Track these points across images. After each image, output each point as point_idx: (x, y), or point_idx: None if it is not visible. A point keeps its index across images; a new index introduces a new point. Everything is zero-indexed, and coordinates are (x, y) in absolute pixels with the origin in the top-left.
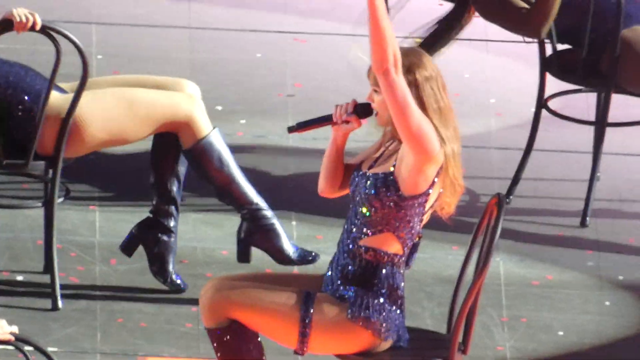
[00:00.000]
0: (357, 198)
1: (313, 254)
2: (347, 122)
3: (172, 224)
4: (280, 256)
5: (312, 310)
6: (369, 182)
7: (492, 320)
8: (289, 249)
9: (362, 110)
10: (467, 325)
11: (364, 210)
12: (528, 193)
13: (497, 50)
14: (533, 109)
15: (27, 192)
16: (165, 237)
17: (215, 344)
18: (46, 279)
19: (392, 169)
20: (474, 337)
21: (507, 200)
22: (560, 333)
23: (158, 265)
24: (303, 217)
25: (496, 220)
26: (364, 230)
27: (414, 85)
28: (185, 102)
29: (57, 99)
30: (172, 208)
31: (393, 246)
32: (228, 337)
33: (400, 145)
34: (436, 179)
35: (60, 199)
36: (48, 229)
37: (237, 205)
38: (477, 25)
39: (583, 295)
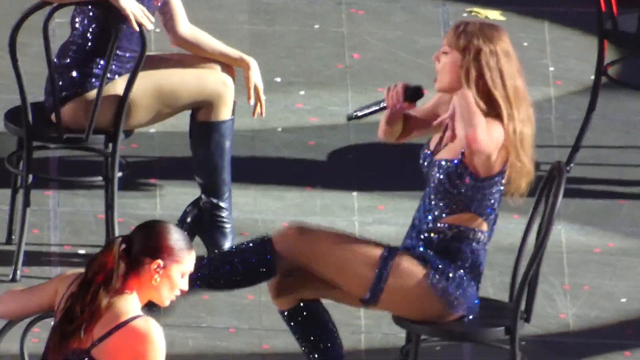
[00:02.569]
0: (432, 182)
1: None
2: (400, 108)
3: (223, 205)
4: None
5: (391, 263)
6: (441, 170)
7: (554, 288)
8: None
9: (412, 95)
10: (530, 293)
11: (441, 195)
12: (588, 161)
13: (556, 17)
14: (592, 77)
15: (88, 166)
16: (216, 224)
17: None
18: None
19: (461, 156)
20: (536, 305)
21: (568, 168)
22: (623, 300)
23: (213, 249)
24: (364, 188)
25: (557, 188)
26: (446, 210)
27: (495, 55)
28: (214, 81)
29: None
30: (224, 188)
31: (477, 224)
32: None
33: None
34: (507, 165)
35: (121, 173)
36: (109, 203)
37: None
38: None
39: None
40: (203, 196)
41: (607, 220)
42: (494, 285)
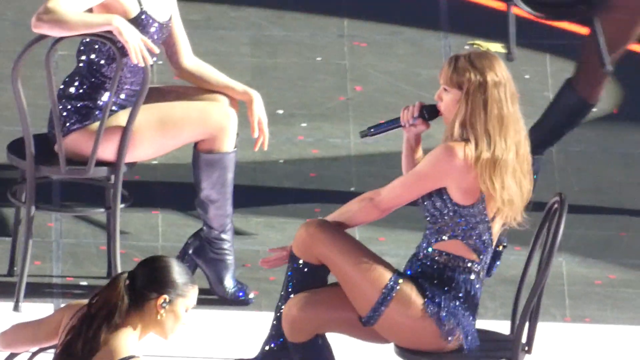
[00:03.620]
0: (424, 206)
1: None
2: (414, 125)
3: (225, 237)
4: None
5: (396, 289)
6: (428, 194)
7: (555, 320)
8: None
9: (428, 113)
10: (531, 325)
11: (430, 219)
12: (589, 193)
13: (557, 50)
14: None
15: (90, 198)
16: (218, 256)
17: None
18: None
19: None
20: (537, 337)
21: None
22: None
23: (215, 282)
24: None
25: (558, 220)
26: (436, 235)
27: (483, 87)
28: (218, 114)
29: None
30: (226, 220)
31: (465, 253)
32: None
33: None
34: (484, 193)
35: (123, 205)
36: (111, 235)
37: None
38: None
39: None
40: (205, 228)
41: (608, 252)
42: (496, 316)
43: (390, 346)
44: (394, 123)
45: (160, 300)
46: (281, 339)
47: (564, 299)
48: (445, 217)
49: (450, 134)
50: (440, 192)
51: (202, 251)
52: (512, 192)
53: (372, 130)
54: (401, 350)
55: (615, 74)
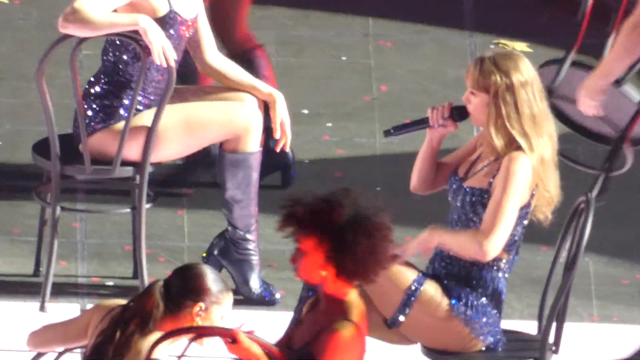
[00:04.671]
0: (457, 206)
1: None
2: (444, 125)
3: (250, 237)
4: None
5: (420, 290)
6: (467, 197)
7: (582, 320)
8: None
9: (458, 114)
10: (558, 325)
11: (464, 221)
12: (616, 191)
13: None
14: None
15: (116, 198)
16: (243, 256)
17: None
18: (135, 283)
19: (487, 186)
20: (564, 337)
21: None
22: None
23: (241, 283)
24: (391, 220)
25: (584, 220)
26: None
27: (510, 89)
28: (243, 114)
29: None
30: (251, 220)
31: (500, 252)
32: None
33: (498, 162)
34: (534, 191)
35: (149, 205)
36: (136, 235)
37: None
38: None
39: None
40: (230, 228)
41: (636, 251)
42: (523, 317)
43: (417, 347)
44: (422, 123)
45: (196, 308)
46: None
47: (591, 299)
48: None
49: (489, 140)
50: (483, 197)
51: (227, 252)
52: (556, 189)
53: (396, 129)
54: (428, 350)
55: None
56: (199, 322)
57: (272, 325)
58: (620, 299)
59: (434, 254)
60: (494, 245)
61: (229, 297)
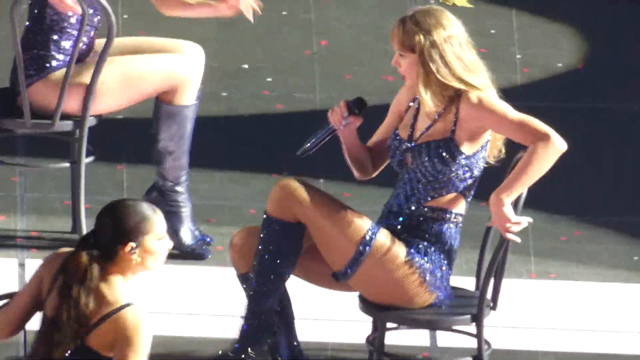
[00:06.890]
0: (414, 166)
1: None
2: (348, 124)
3: (180, 189)
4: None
5: (374, 240)
6: (431, 151)
7: (520, 276)
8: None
9: (356, 107)
10: (496, 282)
11: (428, 177)
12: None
13: (523, 5)
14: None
15: (55, 152)
16: (172, 208)
17: (264, 231)
18: (74, 237)
19: (450, 134)
20: (502, 293)
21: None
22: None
23: (171, 234)
24: (330, 175)
25: None
26: (430, 193)
27: (435, 46)
28: (180, 66)
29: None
30: (182, 172)
31: (460, 206)
32: (277, 227)
33: (449, 110)
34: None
35: (88, 159)
36: (75, 189)
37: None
38: None
39: (611, 250)
40: (159, 179)
41: (574, 208)
42: (461, 272)
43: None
44: (327, 130)
45: (127, 249)
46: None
47: (530, 255)
48: (453, 173)
49: (424, 98)
50: (449, 146)
51: (157, 203)
52: None
53: (308, 146)
54: (367, 306)
55: (581, 27)
56: (137, 258)
57: (206, 280)
58: (558, 256)
59: (387, 213)
60: (550, 131)
61: (157, 218)
